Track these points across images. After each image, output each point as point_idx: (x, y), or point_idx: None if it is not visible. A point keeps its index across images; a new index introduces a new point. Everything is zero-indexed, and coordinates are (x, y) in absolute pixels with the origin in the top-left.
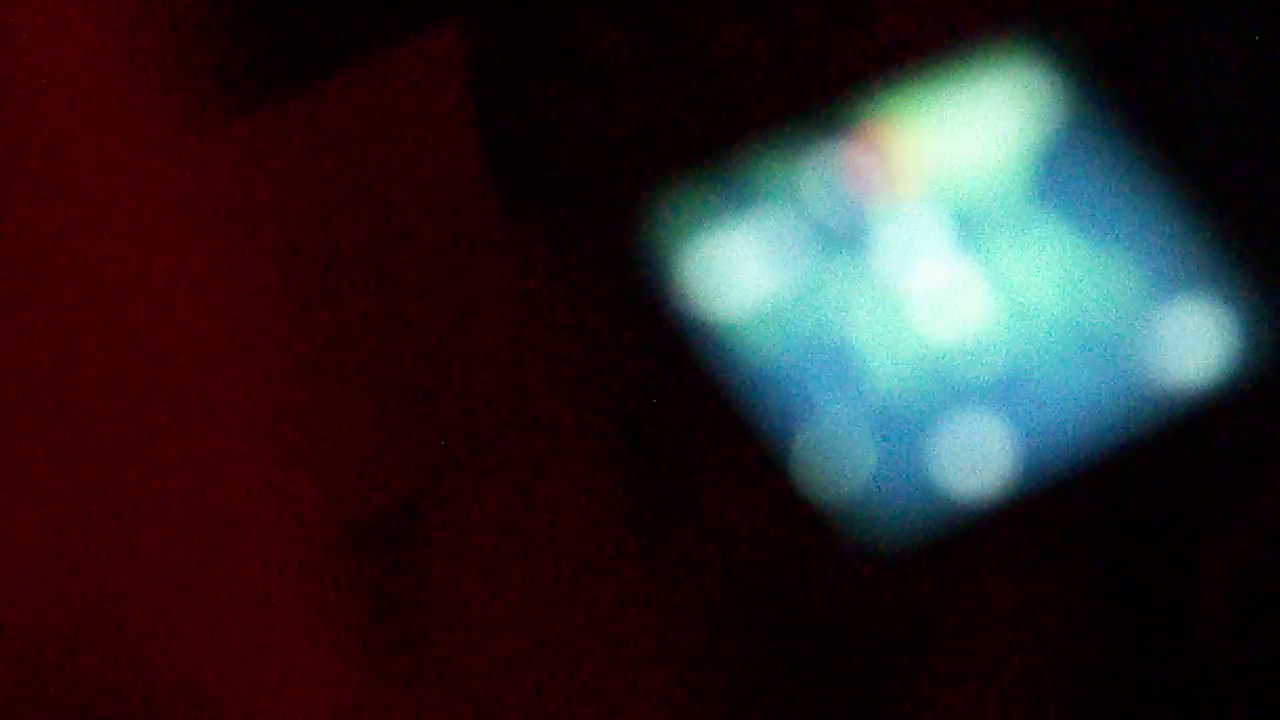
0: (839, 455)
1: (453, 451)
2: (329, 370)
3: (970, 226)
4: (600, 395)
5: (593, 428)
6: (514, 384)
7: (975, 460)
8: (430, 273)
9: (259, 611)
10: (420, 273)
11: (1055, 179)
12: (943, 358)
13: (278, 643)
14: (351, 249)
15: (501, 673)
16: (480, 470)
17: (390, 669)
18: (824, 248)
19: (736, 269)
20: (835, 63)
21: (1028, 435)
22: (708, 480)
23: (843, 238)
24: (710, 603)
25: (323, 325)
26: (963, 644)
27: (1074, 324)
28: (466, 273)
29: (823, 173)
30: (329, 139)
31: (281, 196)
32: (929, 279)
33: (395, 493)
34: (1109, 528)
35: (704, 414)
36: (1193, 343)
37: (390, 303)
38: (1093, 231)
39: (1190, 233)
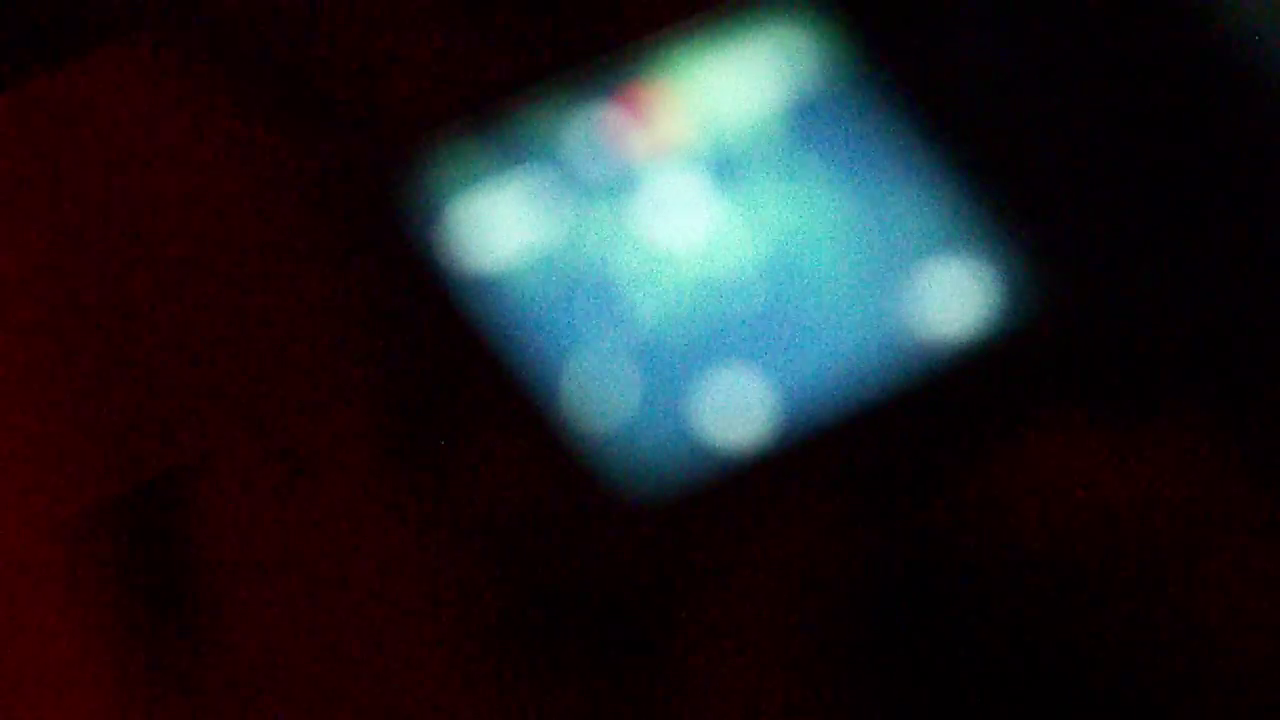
0: (601, 401)
1: (218, 421)
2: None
3: (732, 180)
4: (365, 350)
5: (357, 385)
6: (273, 344)
7: (735, 407)
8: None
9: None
10: (181, 247)
11: (817, 135)
12: (703, 306)
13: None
14: (102, 232)
15: (272, 645)
16: (245, 435)
17: (154, 648)
18: (588, 200)
19: (503, 221)
20: (599, 26)
21: (785, 384)
22: (472, 429)
23: (606, 190)
24: (471, 552)
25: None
26: (721, 589)
27: (833, 276)
28: (228, 243)
29: (587, 130)
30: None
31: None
32: (690, 229)
33: (154, 468)
34: (866, 476)
35: (471, 363)
36: (948, 298)
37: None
38: (853, 187)
39: (949, 190)
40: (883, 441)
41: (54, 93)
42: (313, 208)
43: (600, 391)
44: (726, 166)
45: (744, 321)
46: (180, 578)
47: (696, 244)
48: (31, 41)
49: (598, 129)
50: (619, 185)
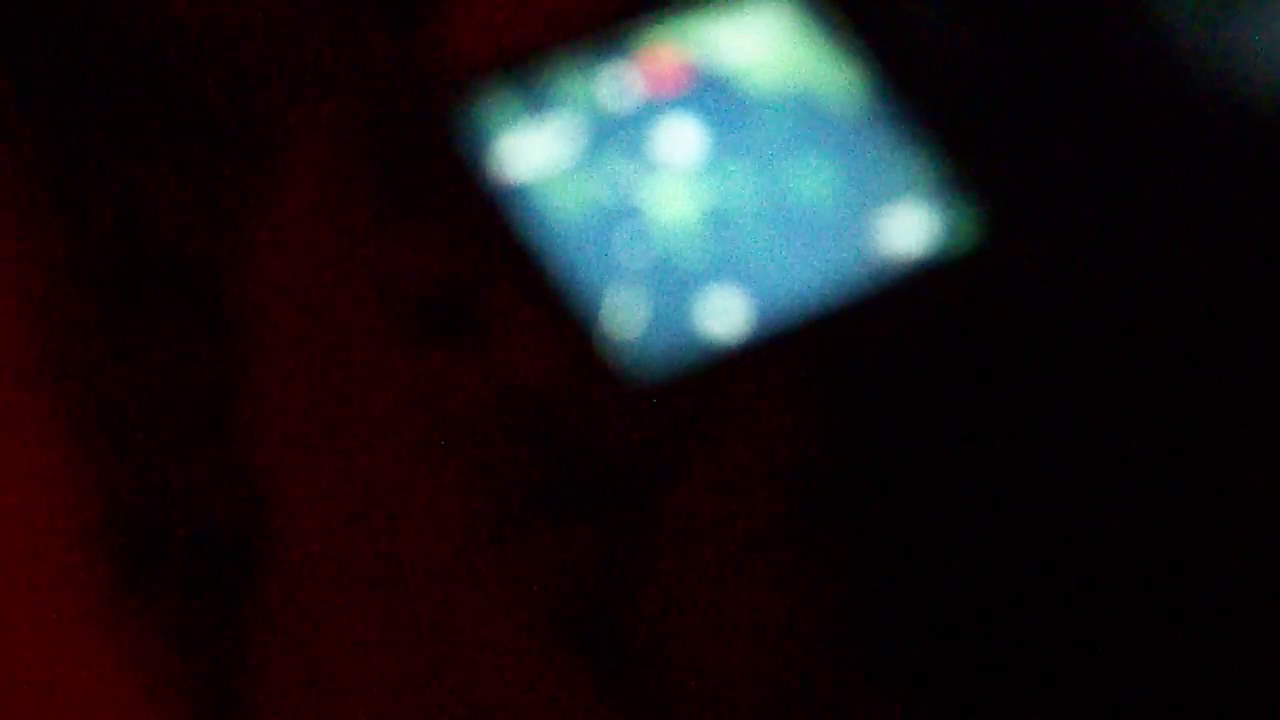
0: (617, 302)
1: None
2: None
3: (733, 126)
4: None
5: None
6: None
7: (723, 313)
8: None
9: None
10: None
11: (801, 92)
12: (702, 228)
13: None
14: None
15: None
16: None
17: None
18: (611, 138)
19: (540, 154)
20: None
21: (765, 295)
22: (507, 321)
23: (627, 130)
24: (501, 422)
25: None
26: (714, 459)
27: (807, 208)
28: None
29: (613, 81)
30: None
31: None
32: (694, 164)
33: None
34: (828, 373)
35: (508, 266)
36: (906, 230)
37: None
38: (829, 136)
39: (910, 142)
40: (842, 345)
41: None
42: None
43: (615, 294)
44: (729, 112)
45: (735, 243)
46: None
47: (699, 173)
48: None
49: (620, 81)
50: (637, 126)
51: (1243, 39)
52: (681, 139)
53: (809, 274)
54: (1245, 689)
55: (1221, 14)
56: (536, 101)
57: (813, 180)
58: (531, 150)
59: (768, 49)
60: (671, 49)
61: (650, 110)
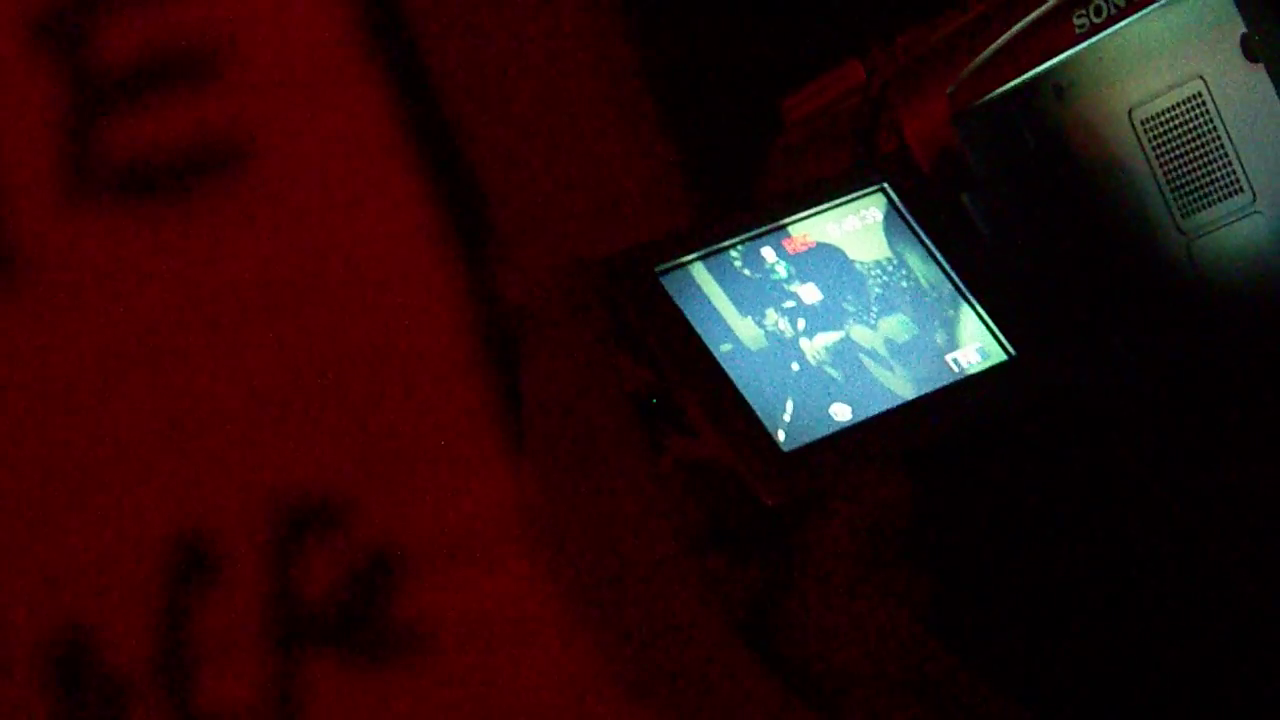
0: (777, 403)
1: None
2: None
3: (845, 286)
4: None
5: None
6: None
7: (845, 408)
8: None
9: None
10: None
11: (889, 265)
12: (829, 354)
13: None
14: None
15: None
16: None
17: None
18: (771, 292)
19: (725, 300)
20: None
21: (871, 399)
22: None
23: (780, 288)
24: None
25: None
26: (839, 508)
27: (895, 344)
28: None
29: (769, 253)
30: None
31: None
32: (820, 310)
33: None
34: (913, 449)
35: (699, 382)
36: (959, 359)
37: None
38: (908, 294)
39: (962, 300)
40: (920, 431)
41: None
42: None
43: (775, 398)
44: (840, 278)
45: (849, 365)
46: None
47: (824, 319)
48: None
49: (768, 253)
50: (786, 284)
51: None
52: (811, 294)
53: (896, 385)
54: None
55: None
56: (722, 264)
57: (898, 326)
58: (717, 296)
59: (866, 233)
60: (805, 233)
61: (792, 272)
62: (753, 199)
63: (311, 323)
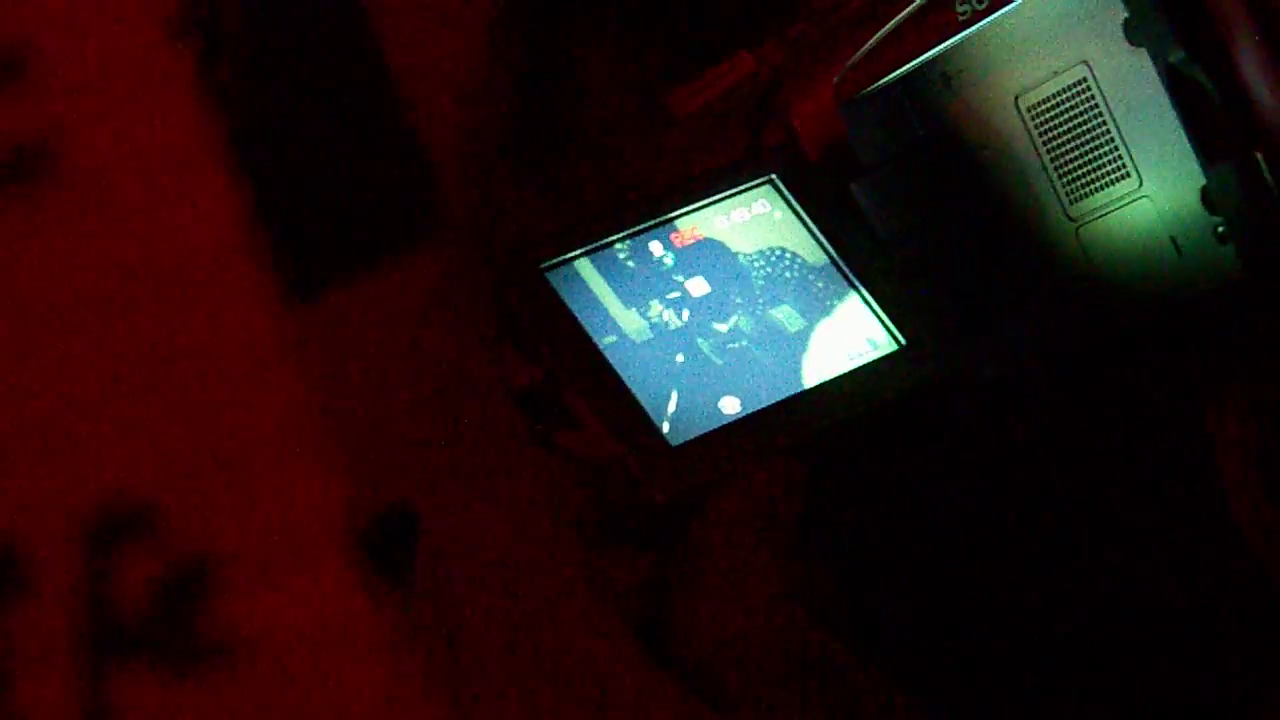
0: (662, 396)
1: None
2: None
3: (730, 277)
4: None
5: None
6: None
7: (732, 400)
8: None
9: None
10: None
11: (776, 254)
12: (716, 343)
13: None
14: None
15: None
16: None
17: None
18: (657, 283)
19: (609, 293)
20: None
21: (759, 389)
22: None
23: (666, 278)
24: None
25: None
26: (726, 500)
27: (782, 333)
28: None
29: (649, 248)
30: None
31: None
32: (707, 300)
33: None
34: (802, 439)
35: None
36: (846, 346)
37: None
38: (794, 282)
39: (850, 288)
40: (808, 421)
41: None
42: None
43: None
44: (725, 269)
45: (737, 355)
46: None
47: (710, 309)
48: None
49: (655, 247)
50: (672, 276)
51: None
52: (699, 286)
53: (785, 376)
54: None
55: None
56: (608, 258)
57: (787, 317)
58: (603, 290)
59: (755, 225)
60: (694, 226)
61: (678, 265)
62: (641, 192)
63: (123, 329)
